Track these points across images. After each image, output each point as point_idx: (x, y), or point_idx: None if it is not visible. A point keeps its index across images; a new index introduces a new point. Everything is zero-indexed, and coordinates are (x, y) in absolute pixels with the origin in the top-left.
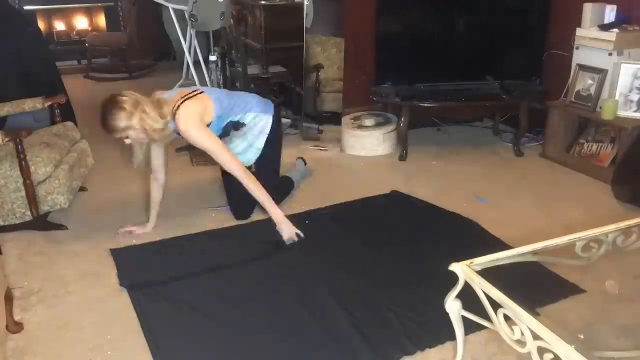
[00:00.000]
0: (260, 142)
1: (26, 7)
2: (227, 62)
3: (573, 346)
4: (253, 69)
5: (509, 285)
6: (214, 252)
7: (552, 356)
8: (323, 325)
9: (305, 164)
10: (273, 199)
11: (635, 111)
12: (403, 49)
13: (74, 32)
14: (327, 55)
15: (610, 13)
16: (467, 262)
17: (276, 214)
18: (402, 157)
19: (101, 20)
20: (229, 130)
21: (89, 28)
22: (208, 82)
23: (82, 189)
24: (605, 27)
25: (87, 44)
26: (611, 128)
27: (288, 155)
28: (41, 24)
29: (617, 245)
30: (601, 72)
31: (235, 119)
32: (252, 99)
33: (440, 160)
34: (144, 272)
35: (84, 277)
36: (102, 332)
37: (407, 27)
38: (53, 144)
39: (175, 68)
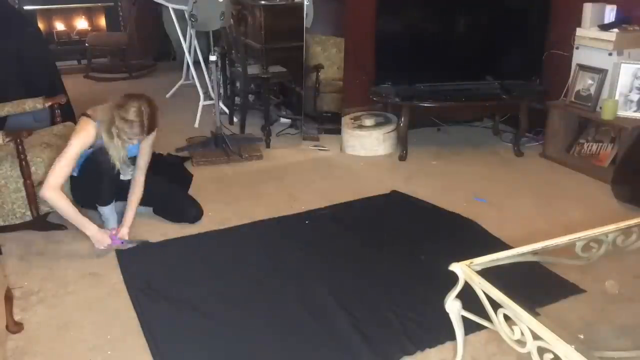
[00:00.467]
0: None
1: (26, 7)
2: (227, 62)
3: (573, 346)
4: (253, 69)
5: (509, 285)
6: (214, 253)
7: (552, 356)
8: (323, 325)
9: None
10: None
11: (635, 111)
12: (403, 49)
13: (74, 32)
14: (327, 55)
15: (610, 13)
16: (467, 262)
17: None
18: (402, 157)
19: (101, 20)
20: None
21: (89, 28)
22: (208, 82)
23: None
24: (605, 27)
25: (87, 44)
26: (611, 128)
27: (288, 155)
28: (41, 24)
29: (617, 245)
30: (601, 72)
31: None
32: None
33: (440, 160)
34: (146, 273)
35: (84, 277)
36: (102, 332)
37: (407, 27)
38: (53, 145)
39: (175, 68)
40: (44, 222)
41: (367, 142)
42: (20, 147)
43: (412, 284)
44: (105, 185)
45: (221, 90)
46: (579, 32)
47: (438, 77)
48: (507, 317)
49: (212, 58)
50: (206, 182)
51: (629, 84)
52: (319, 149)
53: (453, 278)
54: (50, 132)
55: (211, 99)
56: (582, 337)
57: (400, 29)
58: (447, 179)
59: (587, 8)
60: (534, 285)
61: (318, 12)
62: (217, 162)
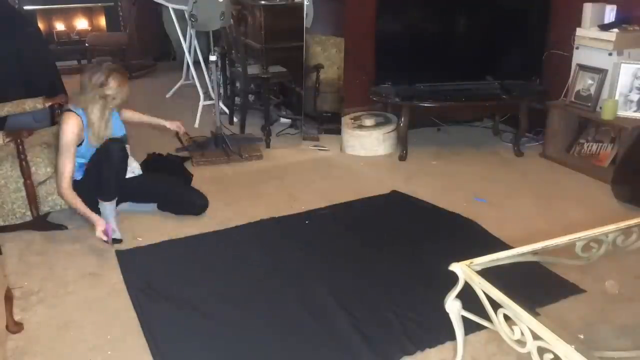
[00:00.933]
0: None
1: (26, 7)
2: (227, 62)
3: (573, 346)
4: (253, 69)
5: (509, 285)
6: (214, 253)
7: (552, 356)
8: (323, 325)
9: None
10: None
11: (635, 111)
12: (403, 48)
13: (74, 32)
14: (327, 55)
15: (610, 13)
16: (467, 262)
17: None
18: (402, 157)
19: (101, 20)
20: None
21: (89, 28)
22: (208, 82)
23: None
24: (605, 27)
25: (87, 44)
26: (611, 128)
27: (288, 155)
28: (41, 24)
29: (617, 245)
30: (601, 72)
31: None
32: None
33: (440, 160)
34: (146, 273)
35: (84, 277)
36: (102, 332)
37: (407, 27)
38: (53, 145)
39: (175, 68)
40: (44, 222)
41: (367, 142)
42: (20, 147)
43: (412, 284)
44: (112, 177)
45: (221, 90)
46: (579, 32)
47: (438, 77)
48: (507, 317)
49: (212, 58)
50: (206, 182)
51: (629, 84)
52: (319, 149)
53: (453, 278)
54: (50, 132)
55: (211, 99)
56: (582, 337)
57: (400, 29)
58: (447, 179)
59: (587, 8)
60: (534, 285)
61: (318, 12)
62: (217, 162)
